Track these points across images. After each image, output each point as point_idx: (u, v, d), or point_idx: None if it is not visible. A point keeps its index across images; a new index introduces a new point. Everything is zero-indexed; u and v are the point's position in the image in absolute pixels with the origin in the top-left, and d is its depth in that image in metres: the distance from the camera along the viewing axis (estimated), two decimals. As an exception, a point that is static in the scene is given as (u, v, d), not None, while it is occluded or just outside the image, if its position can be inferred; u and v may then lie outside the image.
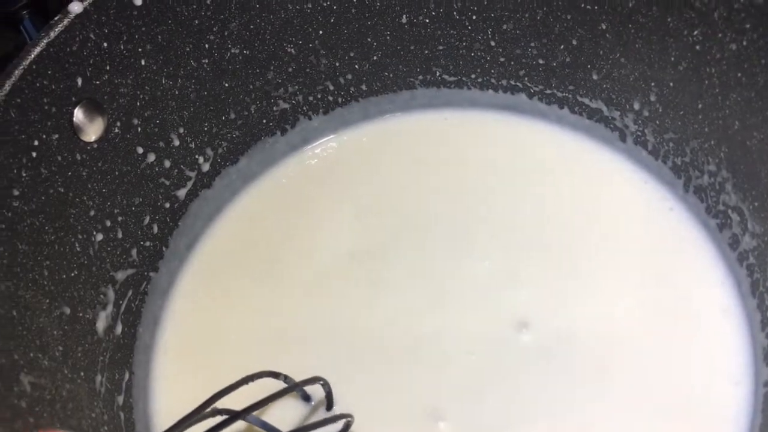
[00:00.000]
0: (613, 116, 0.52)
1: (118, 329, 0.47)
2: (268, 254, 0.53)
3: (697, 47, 0.44)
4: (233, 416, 0.37)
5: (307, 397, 0.45)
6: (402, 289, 0.49)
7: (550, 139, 0.54)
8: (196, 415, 0.37)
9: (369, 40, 0.53)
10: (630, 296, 0.47)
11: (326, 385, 0.43)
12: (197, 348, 0.50)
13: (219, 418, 0.38)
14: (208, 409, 0.38)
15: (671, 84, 0.47)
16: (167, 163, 0.50)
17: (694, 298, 0.46)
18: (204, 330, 0.50)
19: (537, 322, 0.47)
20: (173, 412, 0.46)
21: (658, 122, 0.49)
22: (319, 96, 0.55)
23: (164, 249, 0.51)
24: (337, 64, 0.54)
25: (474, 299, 0.48)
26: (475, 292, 0.48)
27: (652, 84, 0.48)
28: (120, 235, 0.47)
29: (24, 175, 0.39)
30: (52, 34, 0.40)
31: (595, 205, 0.51)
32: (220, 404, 0.38)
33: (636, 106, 0.50)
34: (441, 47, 0.54)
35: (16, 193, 0.39)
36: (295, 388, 0.42)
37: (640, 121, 0.50)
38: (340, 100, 0.56)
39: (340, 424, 0.42)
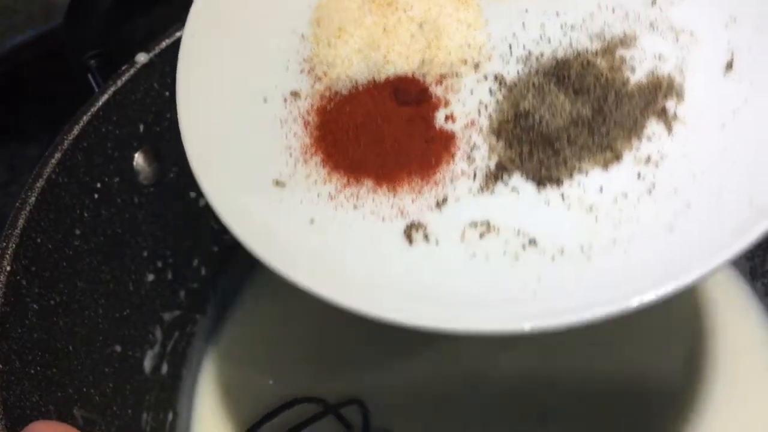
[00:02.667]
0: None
1: (164, 369, 0.47)
2: (311, 300, 0.53)
3: None
4: None
5: (348, 425, 0.46)
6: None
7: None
8: None
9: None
10: (672, 350, 0.47)
11: (363, 407, 0.43)
12: (238, 392, 0.50)
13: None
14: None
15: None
16: (218, 208, 0.51)
17: (739, 354, 0.46)
18: (245, 374, 0.51)
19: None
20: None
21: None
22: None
23: (211, 292, 0.52)
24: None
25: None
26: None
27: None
28: (170, 277, 0.48)
29: (86, 215, 0.41)
30: (119, 83, 0.43)
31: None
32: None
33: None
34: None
35: (77, 232, 0.41)
36: (332, 410, 0.42)
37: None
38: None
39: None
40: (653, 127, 0.32)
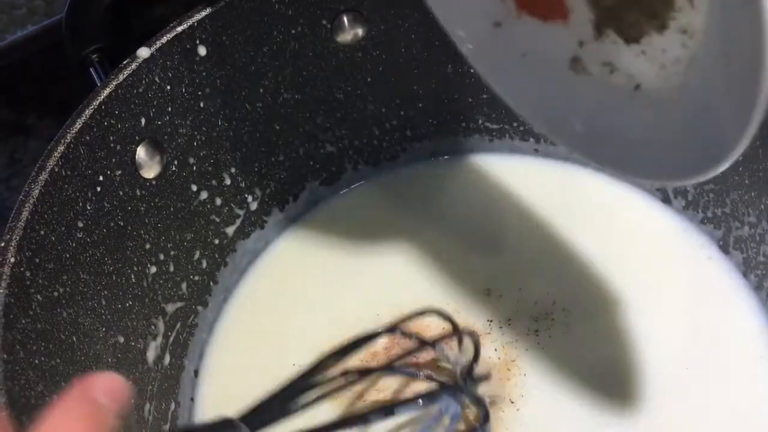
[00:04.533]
0: (653, 166, 0.53)
1: (167, 360, 0.48)
2: (311, 292, 0.54)
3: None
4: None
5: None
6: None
7: (590, 187, 0.55)
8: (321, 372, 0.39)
9: (415, 87, 0.55)
10: (666, 341, 0.48)
11: (475, 336, 0.45)
12: (240, 382, 0.51)
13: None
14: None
15: (712, 136, 0.48)
16: (218, 201, 0.52)
17: (732, 345, 0.47)
18: (247, 364, 0.51)
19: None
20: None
21: (698, 173, 0.50)
22: (365, 141, 0.57)
23: (212, 284, 0.53)
24: (384, 110, 0.56)
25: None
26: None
27: (693, 136, 0.49)
28: (172, 269, 0.49)
29: (89, 208, 0.42)
30: (121, 77, 0.43)
31: (633, 252, 0.52)
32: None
33: (676, 157, 0.51)
34: (484, 96, 0.55)
35: (80, 225, 0.41)
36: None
37: (680, 172, 0.51)
38: (384, 144, 0.58)
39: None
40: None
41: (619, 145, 0.39)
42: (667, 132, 0.36)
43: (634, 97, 0.38)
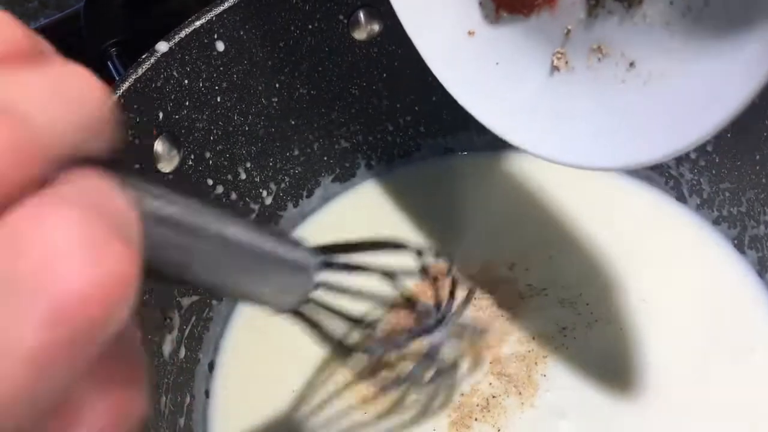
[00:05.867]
0: (668, 164, 0.53)
1: (182, 353, 0.48)
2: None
3: (756, 100, 0.45)
4: None
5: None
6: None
7: (604, 184, 0.55)
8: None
9: (430, 80, 0.55)
10: (680, 340, 0.47)
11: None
12: (254, 375, 0.51)
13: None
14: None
15: (728, 135, 0.48)
16: (233, 196, 0.52)
17: (747, 344, 0.47)
18: (261, 357, 0.52)
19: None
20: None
21: (714, 172, 0.50)
22: (378, 136, 0.57)
23: (226, 278, 0.53)
24: (398, 106, 0.56)
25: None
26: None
27: (710, 134, 0.49)
28: (187, 263, 0.49)
29: (107, 201, 0.42)
30: (140, 71, 0.43)
31: (647, 251, 0.52)
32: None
33: (692, 155, 0.51)
34: (499, 93, 0.55)
35: (99, 218, 0.41)
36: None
37: (696, 170, 0.51)
38: (398, 140, 0.58)
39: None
40: None
41: (607, 142, 0.37)
42: (666, 105, 0.35)
43: (626, 79, 0.36)
